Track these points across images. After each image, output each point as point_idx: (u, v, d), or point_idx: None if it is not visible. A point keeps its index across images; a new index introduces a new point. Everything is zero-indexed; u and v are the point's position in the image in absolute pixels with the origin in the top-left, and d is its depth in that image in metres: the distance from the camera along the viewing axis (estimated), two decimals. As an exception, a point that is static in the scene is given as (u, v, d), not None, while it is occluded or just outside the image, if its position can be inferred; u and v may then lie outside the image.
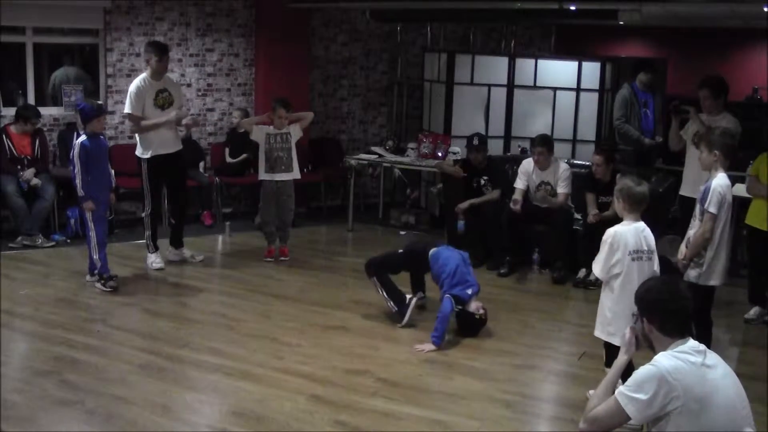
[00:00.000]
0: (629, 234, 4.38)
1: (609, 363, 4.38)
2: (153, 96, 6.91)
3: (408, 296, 5.95)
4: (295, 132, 7.43)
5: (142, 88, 6.88)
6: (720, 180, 4.81)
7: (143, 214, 7.16)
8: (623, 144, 8.39)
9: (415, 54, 10.42)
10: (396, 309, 5.90)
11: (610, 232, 4.43)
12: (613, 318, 4.43)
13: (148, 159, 6.94)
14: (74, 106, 7.77)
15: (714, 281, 4.95)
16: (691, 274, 4.91)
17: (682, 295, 2.95)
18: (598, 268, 4.46)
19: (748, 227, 6.23)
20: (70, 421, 4.30)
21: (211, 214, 8.75)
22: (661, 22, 9.60)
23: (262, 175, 7.41)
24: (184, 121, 7.29)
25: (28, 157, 7.76)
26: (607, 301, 4.49)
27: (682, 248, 4.99)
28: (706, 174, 5.02)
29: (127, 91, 8.68)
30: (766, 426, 4.13)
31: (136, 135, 7.07)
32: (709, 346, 2.94)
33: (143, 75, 6.99)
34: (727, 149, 4.85)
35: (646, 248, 4.41)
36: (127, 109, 6.97)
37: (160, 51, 6.95)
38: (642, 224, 4.45)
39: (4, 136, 7.73)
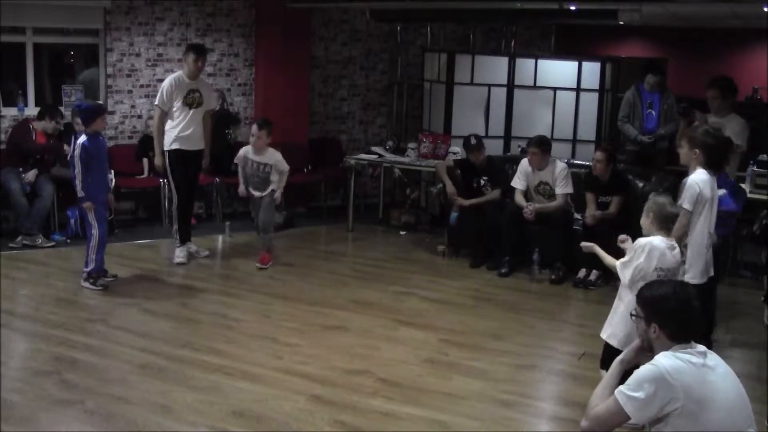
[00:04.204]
0: (668, 253, 4.24)
1: (604, 365, 4.36)
2: (184, 94, 7.03)
3: None
4: (277, 168, 7.12)
5: (175, 85, 7.01)
6: (697, 176, 4.68)
7: (172, 208, 7.30)
8: (629, 144, 8.43)
9: (415, 54, 10.41)
10: None
11: (645, 242, 4.23)
12: (619, 321, 4.33)
13: (168, 151, 7.08)
14: (73, 106, 7.76)
15: (692, 279, 4.71)
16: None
17: (695, 304, 2.92)
18: (627, 275, 4.24)
19: None
20: (70, 421, 4.30)
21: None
22: (661, 22, 9.61)
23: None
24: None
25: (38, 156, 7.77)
26: (620, 305, 4.37)
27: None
28: None
29: (126, 90, 8.74)
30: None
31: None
32: (710, 347, 2.92)
33: (179, 72, 7.14)
34: (708, 149, 4.70)
35: (675, 266, 4.28)
36: (156, 102, 7.12)
37: (198, 52, 7.08)
38: (674, 242, 4.32)
39: (31, 127, 7.73)
